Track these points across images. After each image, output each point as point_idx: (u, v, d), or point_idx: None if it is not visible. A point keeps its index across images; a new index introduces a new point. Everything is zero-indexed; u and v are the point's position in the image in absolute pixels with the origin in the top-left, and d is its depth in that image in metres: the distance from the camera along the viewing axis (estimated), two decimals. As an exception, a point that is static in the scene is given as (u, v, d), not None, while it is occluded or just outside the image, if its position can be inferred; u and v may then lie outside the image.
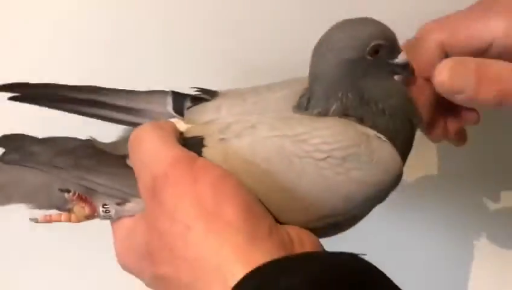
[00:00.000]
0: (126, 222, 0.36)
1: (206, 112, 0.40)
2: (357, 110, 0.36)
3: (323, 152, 0.34)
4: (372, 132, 0.35)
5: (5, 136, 0.39)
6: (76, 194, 0.36)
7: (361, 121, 0.36)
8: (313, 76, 0.37)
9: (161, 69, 0.54)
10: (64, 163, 0.37)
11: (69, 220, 0.37)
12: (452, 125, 0.42)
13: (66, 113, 0.41)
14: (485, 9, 0.38)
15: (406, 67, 0.36)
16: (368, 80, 0.36)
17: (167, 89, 0.41)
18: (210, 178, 0.32)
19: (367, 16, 0.36)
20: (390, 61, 0.36)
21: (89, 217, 0.37)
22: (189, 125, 0.39)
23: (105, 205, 0.37)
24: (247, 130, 0.36)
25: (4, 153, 0.38)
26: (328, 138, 0.34)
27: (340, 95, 0.35)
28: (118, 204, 0.37)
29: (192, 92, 0.42)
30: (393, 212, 0.58)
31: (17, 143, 0.38)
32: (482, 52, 0.37)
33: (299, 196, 0.34)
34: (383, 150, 0.35)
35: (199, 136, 0.37)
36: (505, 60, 0.37)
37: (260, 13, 0.53)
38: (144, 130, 0.36)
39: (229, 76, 0.54)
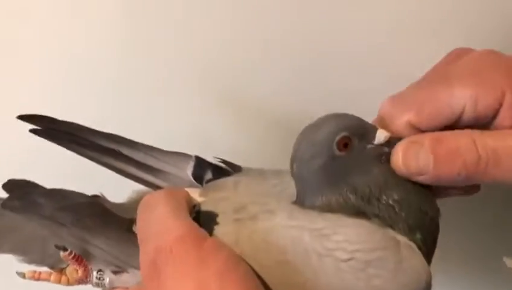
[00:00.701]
0: None
1: (223, 187, 0.38)
2: (366, 208, 0.33)
3: (346, 252, 0.31)
4: (402, 239, 0.32)
5: (12, 181, 0.37)
6: (73, 254, 0.34)
7: (379, 219, 0.33)
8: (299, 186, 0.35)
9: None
10: (66, 219, 0.35)
11: (59, 282, 0.34)
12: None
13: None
14: (444, 77, 0.34)
15: (391, 142, 0.33)
16: (355, 176, 0.33)
17: (191, 153, 0.40)
18: (218, 263, 0.29)
19: (327, 113, 0.34)
20: (370, 146, 0.33)
21: (80, 282, 0.34)
22: (204, 198, 0.37)
23: (101, 271, 0.34)
24: (264, 215, 0.33)
25: (7, 199, 0.36)
26: (352, 236, 0.31)
27: (340, 198, 0.33)
28: (114, 273, 0.34)
29: (215, 162, 0.40)
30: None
31: (22, 190, 0.36)
32: (453, 123, 0.34)
33: None
34: (413, 260, 0.31)
35: (212, 212, 0.35)
36: (477, 128, 0.33)
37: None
38: (155, 197, 0.34)
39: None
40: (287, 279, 0.31)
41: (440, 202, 0.35)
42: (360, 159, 0.33)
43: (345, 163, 0.33)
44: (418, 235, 0.33)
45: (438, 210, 0.34)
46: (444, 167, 0.32)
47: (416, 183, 0.33)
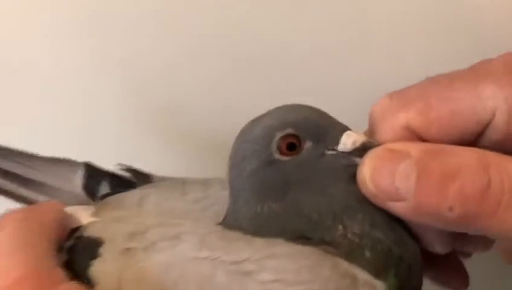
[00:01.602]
0: None
1: (124, 203, 0.29)
2: (313, 233, 0.23)
3: None
4: (362, 274, 0.21)
5: None
6: None
7: (330, 246, 0.22)
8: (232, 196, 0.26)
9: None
10: None
11: None
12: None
13: None
14: (471, 71, 0.24)
15: (366, 150, 0.23)
16: (301, 192, 0.24)
17: (80, 160, 0.31)
18: None
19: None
20: (331, 152, 0.24)
21: None
22: (94, 219, 0.27)
23: None
24: (165, 242, 0.23)
25: None
26: (287, 273, 0.21)
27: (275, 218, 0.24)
28: None
29: (115, 171, 0.31)
30: None
31: None
32: (475, 137, 0.23)
33: None
34: None
35: (97, 239, 0.25)
36: (508, 147, 0.23)
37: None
38: (8, 219, 0.24)
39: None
40: None
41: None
42: (312, 170, 0.24)
43: (288, 172, 0.24)
44: (392, 279, 0.22)
45: (417, 255, 0.24)
46: (429, 193, 0.21)
47: (391, 215, 0.23)
